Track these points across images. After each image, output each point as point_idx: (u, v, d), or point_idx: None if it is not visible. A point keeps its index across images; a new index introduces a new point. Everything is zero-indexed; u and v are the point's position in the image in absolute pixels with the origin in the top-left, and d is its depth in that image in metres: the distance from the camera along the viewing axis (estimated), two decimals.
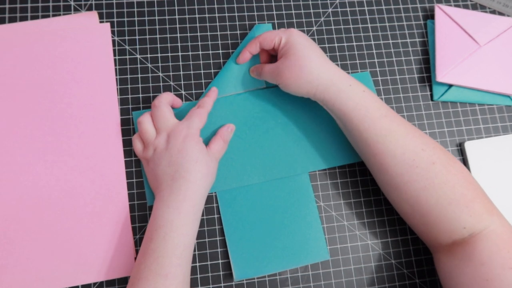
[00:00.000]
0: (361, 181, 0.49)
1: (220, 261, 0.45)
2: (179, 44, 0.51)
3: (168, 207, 0.39)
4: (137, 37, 0.51)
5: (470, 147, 0.50)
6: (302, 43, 0.43)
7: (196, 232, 0.41)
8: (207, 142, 0.46)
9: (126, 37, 0.51)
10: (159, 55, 0.51)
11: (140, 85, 0.49)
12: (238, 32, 0.52)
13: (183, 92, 0.50)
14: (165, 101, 0.45)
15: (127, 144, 0.47)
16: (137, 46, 0.51)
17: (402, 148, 0.40)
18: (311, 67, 0.42)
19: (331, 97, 0.42)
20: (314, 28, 0.54)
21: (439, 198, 0.38)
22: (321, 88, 0.43)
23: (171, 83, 0.50)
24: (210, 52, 0.51)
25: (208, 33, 0.52)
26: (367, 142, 0.42)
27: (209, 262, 0.45)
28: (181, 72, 0.50)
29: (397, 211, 0.43)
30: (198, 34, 0.52)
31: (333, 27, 0.54)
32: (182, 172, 0.40)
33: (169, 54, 0.51)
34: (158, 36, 0.51)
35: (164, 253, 0.38)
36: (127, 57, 0.50)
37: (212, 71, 0.51)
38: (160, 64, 0.50)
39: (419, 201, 0.39)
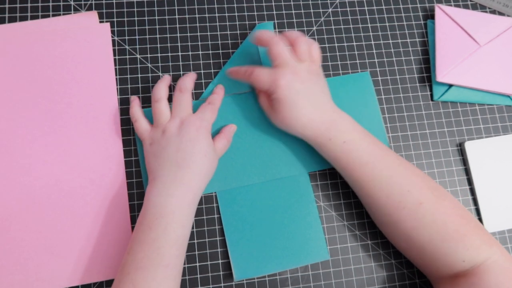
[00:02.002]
0: None
1: (220, 261, 0.45)
2: (179, 44, 0.51)
3: (172, 196, 0.39)
4: (137, 37, 0.51)
5: (470, 147, 0.50)
6: (287, 101, 0.42)
7: (192, 224, 0.41)
8: None
9: (126, 37, 0.51)
10: (159, 55, 0.51)
11: (140, 85, 0.49)
12: (238, 32, 0.52)
13: None
14: (190, 88, 0.45)
15: (127, 144, 0.47)
16: (137, 46, 0.51)
17: (387, 191, 0.40)
18: (296, 127, 0.43)
19: (317, 149, 0.45)
20: (314, 28, 0.54)
21: (431, 236, 0.38)
22: (306, 140, 0.45)
23: (171, 83, 0.50)
24: (210, 52, 0.51)
25: (208, 33, 0.52)
26: (355, 185, 0.43)
27: (209, 262, 0.45)
28: (181, 72, 0.50)
29: (394, 246, 0.44)
30: (198, 34, 0.52)
31: (333, 27, 0.54)
32: (190, 162, 0.40)
33: (169, 54, 0.51)
34: (158, 36, 0.51)
35: (166, 244, 0.37)
36: (127, 57, 0.50)
37: (212, 71, 0.51)
38: (160, 64, 0.50)
39: (411, 239, 0.40)
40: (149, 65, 0.50)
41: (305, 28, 0.53)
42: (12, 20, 0.50)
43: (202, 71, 0.51)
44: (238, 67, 0.47)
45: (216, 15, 0.53)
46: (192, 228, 0.46)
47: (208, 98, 0.46)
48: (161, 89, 0.45)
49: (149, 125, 0.45)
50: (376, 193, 0.41)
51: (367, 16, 0.55)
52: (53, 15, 0.50)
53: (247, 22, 0.53)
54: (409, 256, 0.43)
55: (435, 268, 0.40)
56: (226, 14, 0.53)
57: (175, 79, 0.50)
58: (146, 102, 0.49)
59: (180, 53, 0.51)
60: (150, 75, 0.50)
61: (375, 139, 0.43)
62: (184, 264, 0.45)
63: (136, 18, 0.51)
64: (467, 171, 0.50)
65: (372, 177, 0.41)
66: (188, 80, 0.45)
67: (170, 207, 0.39)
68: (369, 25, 0.55)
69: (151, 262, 0.37)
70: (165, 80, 0.46)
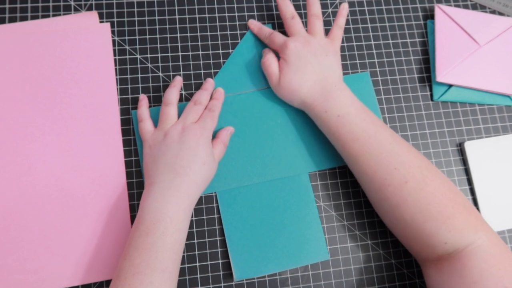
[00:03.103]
0: None
1: (220, 261, 0.45)
2: (179, 44, 0.51)
3: (168, 202, 0.39)
4: (137, 37, 0.51)
5: (470, 147, 0.50)
6: (294, 64, 0.45)
7: (187, 230, 0.42)
8: None
9: (126, 37, 0.51)
10: (159, 55, 0.51)
11: (140, 85, 0.49)
12: (238, 32, 0.52)
13: (183, 92, 0.50)
14: (205, 103, 0.46)
15: (127, 144, 0.47)
16: (137, 46, 0.51)
17: (374, 168, 0.41)
18: (299, 93, 0.45)
19: (313, 119, 0.46)
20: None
21: (414, 215, 0.39)
22: (305, 109, 0.46)
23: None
24: (210, 52, 0.51)
25: (208, 33, 0.52)
26: (347, 160, 0.44)
27: (209, 262, 0.45)
28: (181, 72, 0.50)
29: (384, 224, 0.45)
30: (198, 34, 0.52)
31: None
32: (188, 170, 0.41)
33: (169, 54, 0.51)
34: (158, 36, 0.51)
35: (163, 248, 0.38)
36: (127, 57, 0.50)
37: (212, 71, 0.51)
38: (160, 64, 0.50)
39: (396, 217, 0.40)
40: (149, 65, 0.50)
41: (305, 28, 0.53)
42: (12, 20, 0.50)
43: (202, 71, 0.51)
44: (261, 25, 0.51)
45: (216, 15, 0.53)
46: (192, 228, 0.46)
47: (208, 104, 0.47)
48: (173, 94, 0.46)
49: (153, 127, 0.45)
50: (365, 169, 0.42)
51: (367, 16, 0.55)
52: (53, 15, 0.50)
53: (247, 22, 0.53)
54: (396, 234, 0.43)
55: (419, 249, 0.40)
56: (226, 14, 0.53)
57: (171, 77, 0.50)
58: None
59: (180, 53, 0.51)
60: (150, 75, 0.50)
61: (372, 116, 0.43)
62: (184, 264, 0.45)
63: (136, 18, 0.51)
64: (467, 171, 0.50)
65: (362, 153, 0.42)
66: (206, 96, 0.47)
67: (167, 213, 0.39)
68: (369, 25, 0.55)
69: (149, 267, 0.37)
70: (178, 84, 0.48)
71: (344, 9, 0.49)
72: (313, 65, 0.45)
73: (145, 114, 0.46)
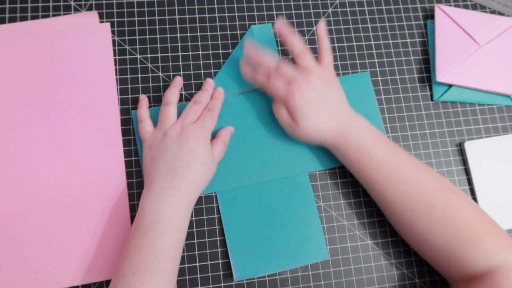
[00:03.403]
0: None
1: (220, 261, 0.45)
2: (179, 44, 0.51)
3: (167, 202, 0.39)
4: (137, 37, 0.51)
5: (470, 147, 0.50)
6: (304, 109, 0.43)
7: (187, 230, 0.41)
8: None
9: (126, 37, 0.51)
10: (159, 55, 0.51)
11: (140, 85, 0.49)
12: (238, 32, 0.52)
13: (183, 92, 0.50)
14: (205, 103, 0.46)
15: (127, 144, 0.47)
16: (137, 46, 0.51)
17: (400, 196, 0.41)
18: (317, 136, 0.44)
19: (331, 151, 0.46)
20: (314, 28, 0.54)
21: (445, 240, 0.39)
22: (324, 145, 0.46)
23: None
24: (210, 52, 0.51)
25: (208, 33, 0.52)
26: (368, 189, 0.44)
27: (209, 262, 0.45)
28: (181, 72, 0.50)
29: (412, 248, 0.44)
30: (198, 34, 0.52)
31: (333, 27, 0.54)
32: (187, 170, 0.41)
33: (169, 54, 0.51)
34: (158, 36, 0.51)
35: (162, 248, 0.38)
36: (127, 57, 0.50)
37: (212, 71, 0.51)
38: (160, 64, 0.50)
39: (426, 242, 0.40)
40: (149, 65, 0.50)
41: (305, 28, 0.53)
42: (12, 20, 0.50)
43: (202, 71, 0.51)
44: (253, 71, 0.47)
45: (216, 15, 0.53)
46: (192, 228, 0.46)
47: (208, 104, 0.46)
48: (173, 94, 0.46)
49: (152, 127, 0.45)
50: (390, 198, 0.41)
51: (367, 16, 0.55)
52: (53, 15, 0.50)
53: (247, 22, 0.53)
54: (425, 258, 0.43)
55: (450, 270, 0.40)
56: (226, 14, 0.53)
57: (171, 77, 0.50)
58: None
59: (180, 53, 0.51)
60: (150, 75, 0.50)
61: (390, 142, 0.43)
62: (184, 264, 0.45)
63: (136, 18, 0.51)
64: (467, 171, 0.50)
65: (385, 181, 0.41)
66: (206, 97, 0.47)
67: (166, 213, 0.39)
68: (369, 25, 0.55)
69: (148, 266, 0.37)
70: (178, 85, 0.48)
71: (322, 30, 0.47)
72: (322, 105, 0.44)
73: (145, 114, 0.46)
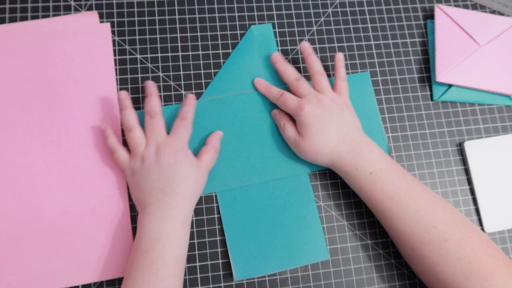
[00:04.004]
0: None
1: (220, 261, 0.45)
2: (179, 44, 0.51)
3: (162, 221, 0.39)
4: (137, 37, 0.51)
5: (470, 147, 0.50)
6: (313, 125, 0.43)
7: (188, 242, 0.42)
8: (202, 144, 0.46)
9: (126, 37, 0.51)
10: (159, 55, 0.51)
11: (140, 85, 0.49)
12: (238, 32, 0.52)
13: (183, 92, 0.50)
14: (159, 110, 0.44)
15: (127, 144, 0.47)
16: (137, 46, 0.51)
17: (411, 226, 0.40)
18: (324, 153, 0.44)
19: (342, 177, 0.45)
20: (314, 28, 0.54)
21: (455, 274, 0.38)
22: (333, 168, 0.45)
23: (171, 83, 0.50)
24: (210, 52, 0.51)
25: (208, 33, 0.52)
26: (379, 216, 0.43)
27: (209, 262, 0.45)
28: (181, 72, 0.50)
29: (420, 279, 0.44)
30: (198, 34, 0.52)
31: (333, 27, 0.54)
32: (174, 187, 0.41)
33: (169, 54, 0.51)
34: (158, 36, 0.51)
35: (163, 265, 0.38)
36: (127, 57, 0.50)
37: (212, 71, 0.51)
38: (160, 64, 0.50)
39: (435, 274, 0.39)
40: (149, 65, 0.50)
41: (305, 28, 0.53)
42: (12, 20, 0.50)
43: (202, 71, 0.51)
44: (269, 85, 0.48)
45: (216, 15, 0.53)
46: (192, 228, 0.46)
47: (179, 112, 0.45)
48: (128, 117, 0.44)
49: (127, 154, 0.44)
50: (401, 227, 0.41)
51: (367, 16, 0.55)
52: (53, 15, 0.50)
53: (247, 22, 0.53)
54: None
55: None
56: (226, 14, 0.53)
57: (175, 79, 0.50)
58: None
59: (180, 53, 0.51)
60: (150, 75, 0.50)
61: (403, 171, 0.43)
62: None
63: (136, 18, 0.51)
64: (467, 171, 0.50)
65: (397, 211, 0.41)
66: (155, 103, 0.44)
67: (164, 231, 0.39)
68: (369, 25, 0.55)
69: (150, 285, 0.37)
70: (128, 105, 0.44)
71: (340, 59, 0.48)
72: (332, 123, 0.44)
73: (114, 143, 0.44)
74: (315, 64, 0.47)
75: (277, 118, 0.48)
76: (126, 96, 0.45)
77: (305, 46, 0.48)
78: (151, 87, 0.45)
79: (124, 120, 0.44)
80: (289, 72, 0.47)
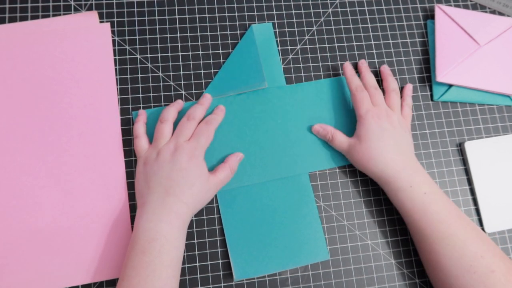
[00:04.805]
0: (361, 181, 0.49)
1: (220, 261, 0.45)
2: (179, 44, 0.51)
3: (161, 221, 0.39)
4: (137, 37, 0.51)
5: (470, 147, 0.50)
6: (375, 132, 0.44)
7: (184, 244, 0.42)
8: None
9: (126, 37, 0.51)
10: (159, 55, 0.51)
11: (140, 85, 0.49)
12: (238, 32, 0.52)
13: (183, 92, 0.50)
14: (199, 118, 0.45)
15: (127, 144, 0.47)
16: (137, 46, 0.51)
17: (459, 253, 0.40)
18: (378, 161, 0.44)
19: (391, 192, 0.44)
20: (314, 28, 0.54)
21: None
22: (383, 180, 0.44)
23: (171, 83, 0.50)
24: (210, 52, 0.51)
25: (208, 33, 0.52)
26: (423, 239, 0.42)
27: (209, 262, 0.45)
28: (181, 72, 0.50)
29: None
30: (198, 34, 0.52)
31: (333, 27, 0.54)
32: (178, 191, 0.41)
33: (169, 54, 0.51)
34: (158, 36, 0.51)
35: (161, 266, 0.38)
36: (127, 57, 0.50)
37: (212, 71, 0.51)
38: (160, 64, 0.50)
39: None
40: (149, 65, 0.50)
41: (305, 28, 0.53)
42: (12, 20, 0.50)
43: (202, 71, 0.51)
44: (355, 73, 0.49)
45: (216, 15, 0.53)
46: (192, 228, 0.46)
47: (207, 117, 0.46)
48: (170, 112, 0.45)
49: (147, 144, 0.45)
50: (447, 253, 0.40)
51: (367, 16, 0.55)
52: (53, 15, 0.50)
53: (247, 22, 0.53)
54: None
55: None
56: (226, 14, 0.53)
57: (175, 79, 0.50)
58: (145, 103, 0.49)
59: (180, 53, 0.51)
60: (150, 75, 0.50)
61: (448, 198, 0.43)
62: (184, 264, 0.45)
63: (136, 18, 0.51)
64: (467, 171, 0.50)
65: (446, 235, 0.41)
66: (200, 111, 0.46)
67: (162, 232, 0.39)
68: (369, 25, 0.55)
69: (147, 285, 0.37)
70: (177, 105, 0.47)
71: (409, 89, 0.50)
72: (394, 138, 0.44)
73: (140, 130, 0.46)
74: (394, 82, 0.50)
75: (321, 133, 0.48)
76: (181, 103, 0.48)
77: (361, 64, 0.51)
78: (208, 99, 0.47)
79: (164, 112, 0.45)
80: (369, 79, 0.49)
